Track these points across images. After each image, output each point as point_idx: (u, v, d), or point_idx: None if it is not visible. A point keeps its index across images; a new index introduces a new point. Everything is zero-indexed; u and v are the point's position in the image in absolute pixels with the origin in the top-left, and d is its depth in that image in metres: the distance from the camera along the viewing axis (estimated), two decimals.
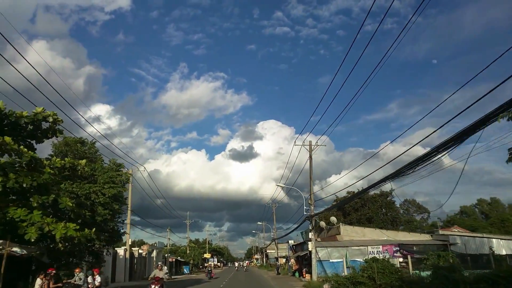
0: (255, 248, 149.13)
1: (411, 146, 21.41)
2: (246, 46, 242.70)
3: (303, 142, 31.57)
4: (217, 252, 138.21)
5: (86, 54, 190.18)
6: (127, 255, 34.53)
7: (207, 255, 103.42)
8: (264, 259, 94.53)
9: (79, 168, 13.79)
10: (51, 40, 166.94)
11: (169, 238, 53.35)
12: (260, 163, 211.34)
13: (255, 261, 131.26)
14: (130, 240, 35.23)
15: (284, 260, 61.38)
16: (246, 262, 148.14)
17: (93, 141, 23.09)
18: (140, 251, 41.36)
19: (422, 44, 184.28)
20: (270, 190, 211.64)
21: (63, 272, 16.49)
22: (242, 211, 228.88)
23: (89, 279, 14.63)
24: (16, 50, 11.35)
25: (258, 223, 72.04)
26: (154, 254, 42.81)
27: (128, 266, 34.49)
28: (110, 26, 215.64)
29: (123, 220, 25.53)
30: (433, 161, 11.66)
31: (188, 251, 73.97)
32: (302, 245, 38.71)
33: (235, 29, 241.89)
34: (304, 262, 37.99)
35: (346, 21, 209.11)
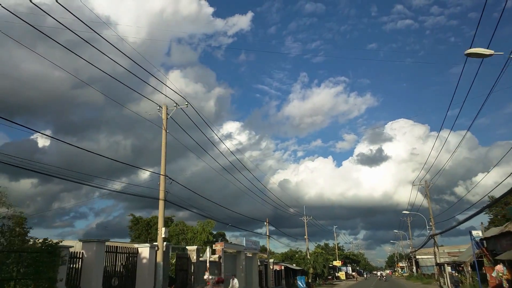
0: (397, 254, 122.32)
1: None
2: (366, 45, 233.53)
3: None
4: (351, 260, 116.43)
5: (215, 77, 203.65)
6: (160, 258, 18.55)
7: (337, 263, 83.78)
8: (414, 268, 70.37)
9: None
10: (184, 68, 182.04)
11: (269, 236, 36.47)
12: (392, 166, 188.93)
13: (399, 270, 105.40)
14: (163, 232, 19.08)
15: (449, 268, 38.80)
16: (388, 271, 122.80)
17: None
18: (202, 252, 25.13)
19: None
20: (408, 193, 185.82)
21: None
22: (377, 218, 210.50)
23: None
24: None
25: (404, 212, 49.79)
26: (210, 257, 25.73)
27: (161, 278, 18.45)
28: (233, 48, 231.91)
29: None
30: None
31: (308, 257, 55.77)
32: None
33: (353, 30, 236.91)
34: None
35: (479, 1, 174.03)
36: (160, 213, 19.46)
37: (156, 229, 59.03)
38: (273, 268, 38.69)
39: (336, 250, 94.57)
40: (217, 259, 26.17)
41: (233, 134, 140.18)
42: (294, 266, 48.53)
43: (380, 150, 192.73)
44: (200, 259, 23.95)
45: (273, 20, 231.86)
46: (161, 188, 19.64)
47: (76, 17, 10.79)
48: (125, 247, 18.00)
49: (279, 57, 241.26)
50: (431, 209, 38.19)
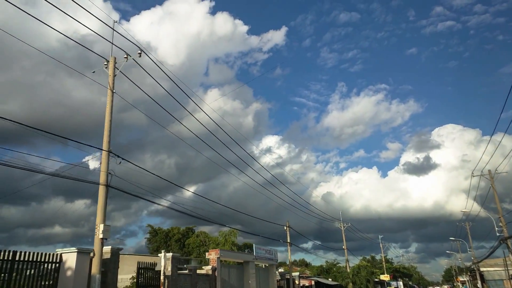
0: (456, 267, 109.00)
1: None
2: (405, 51, 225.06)
3: None
4: (402, 273, 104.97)
5: (252, 93, 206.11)
6: (96, 268, 12.64)
7: (384, 277, 74.15)
8: (479, 282, 59.71)
9: None
10: (221, 87, 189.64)
11: (290, 243, 29.46)
12: (442, 174, 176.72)
13: (460, 286, 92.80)
14: (101, 230, 13.14)
15: None
16: (446, 286, 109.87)
17: None
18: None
19: None
20: (461, 202, 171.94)
21: None
22: (430, 229, 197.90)
23: None
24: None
25: (462, 211, 40.40)
26: (195, 267, 19.12)
27: None
28: (269, 63, 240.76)
29: None
30: None
31: (347, 270, 47.85)
32: None
33: (390, 36, 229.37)
34: None
35: None
36: (100, 203, 13.51)
37: (176, 241, 53.41)
38: (299, 283, 31.61)
39: (384, 263, 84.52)
40: (210, 271, 19.79)
41: (272, 148, 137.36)
42: (329, 281, 40.96)
43: (427, 158, 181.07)
44: (179, 271, 17.71)
45: (307, 32, 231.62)
46: (103, 168, 13.81)
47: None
48: (40, 254, 12.17)
49: (315, 68, 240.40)
50: (499, 206, 29.65)
